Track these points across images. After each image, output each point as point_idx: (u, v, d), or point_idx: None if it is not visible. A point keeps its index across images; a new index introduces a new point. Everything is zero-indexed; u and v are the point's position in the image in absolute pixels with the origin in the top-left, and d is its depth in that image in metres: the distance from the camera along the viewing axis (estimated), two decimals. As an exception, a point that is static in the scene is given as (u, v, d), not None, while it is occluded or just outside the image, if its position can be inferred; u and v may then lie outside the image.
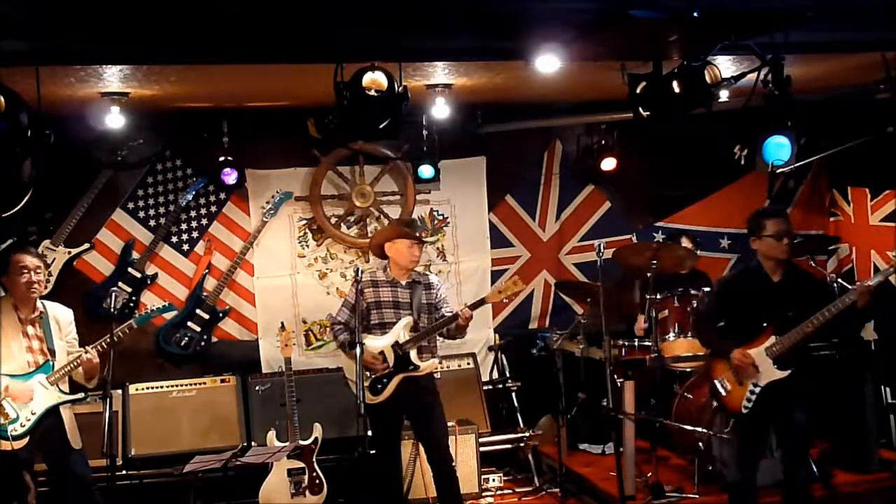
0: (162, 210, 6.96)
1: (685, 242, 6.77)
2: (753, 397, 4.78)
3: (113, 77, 5.13)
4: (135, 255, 6.87)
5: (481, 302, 5.55)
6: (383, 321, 5.51)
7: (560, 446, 6.45)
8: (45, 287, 5.32)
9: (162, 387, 6.57)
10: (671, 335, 6.01)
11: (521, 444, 6.78)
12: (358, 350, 5.04)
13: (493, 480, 6.59)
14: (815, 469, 5.60)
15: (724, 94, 5.28)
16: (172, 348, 6.89)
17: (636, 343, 6.21)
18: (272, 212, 7.01)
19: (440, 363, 5.68)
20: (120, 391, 6.35)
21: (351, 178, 7.22)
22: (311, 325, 7.20)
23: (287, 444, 5.85)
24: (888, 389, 6.42)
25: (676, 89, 4.27)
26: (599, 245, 5.67)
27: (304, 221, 7.21)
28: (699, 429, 5.81)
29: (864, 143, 5.76)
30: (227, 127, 6.74)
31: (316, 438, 6.09)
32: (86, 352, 5.05)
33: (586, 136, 7.58)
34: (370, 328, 5.50)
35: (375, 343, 5.44)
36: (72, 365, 5.06)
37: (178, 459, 5.91)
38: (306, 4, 3.92)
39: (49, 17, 3.77)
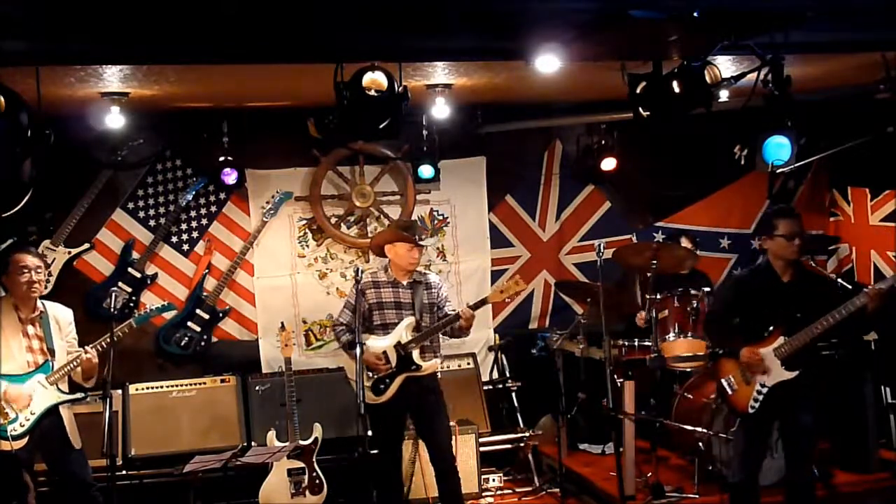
0: (162, 210, 6.96)
1: (685, 242, 6.77)
2: (761, 397, 4.76)
3: (113, 77, 5.13)
4: (135, 255, 6.87)
5: (483, 302, 5.55)
6: (385, 321, 5.51)
7: (560, 446, 6.44)
8: (45, 287, 5.31)
9: (162, 387, 6.57)
10: (671, 335, 5.99)
11: (521, 444, 6.78)
12: (357, 350, 5.02)
13: (493, 480, 6.60)
14: (815, 469, 5.58)
15: (724, 94, 5.29)
16: (172, 348, 6.89)
17: (636, 343, 6.20)
18: (272, 212, 7.01)
19: (441, 363, 5.68)
20: (120, 391, 6.35)
21: (351, 178, 7.22)
22: (311, 325, 7.20)
23: (287, 444, 5.85)
24: (888, 389, 6.42)
25: (676, 89, 4.26)
26: (599, 245, 5.67)
27: (304, 221, 7.21)
28: (699, 429, 5.82)
29: (864, 143, 5.74)
30: (227, 127, 6.74)
31: (316, 438, 6.09)
32: (85, 352, 5.05)
33: (586, 136, 7.58)
34: (372, 329, 5.51)
35: (378, 343, 5.44)
36: (71, 365, 5.05)
37: (178, 459, 5.91)
38: (306, 4, 3.92)
39: (49, 17, 3.76)
